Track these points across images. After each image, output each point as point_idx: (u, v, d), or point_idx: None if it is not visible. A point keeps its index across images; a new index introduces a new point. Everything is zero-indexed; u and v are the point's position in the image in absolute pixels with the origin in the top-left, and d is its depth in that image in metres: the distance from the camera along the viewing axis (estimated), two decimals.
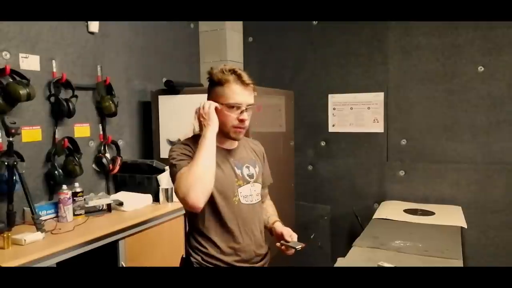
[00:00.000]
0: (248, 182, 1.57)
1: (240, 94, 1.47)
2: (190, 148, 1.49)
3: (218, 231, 1.51)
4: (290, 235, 1.58)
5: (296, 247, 1.51)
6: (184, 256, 1.60)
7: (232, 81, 1.47)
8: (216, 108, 1.49)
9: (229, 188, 1.51)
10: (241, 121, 1.48)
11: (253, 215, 1.58)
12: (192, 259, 1.52)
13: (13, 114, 2.11)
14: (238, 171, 1.55)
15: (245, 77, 1.48)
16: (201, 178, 1.36)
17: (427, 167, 3.17)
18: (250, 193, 1.57)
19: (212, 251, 1.51)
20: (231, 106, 1.47)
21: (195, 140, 1.51)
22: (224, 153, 1.54)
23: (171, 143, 2.91)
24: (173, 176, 1.46)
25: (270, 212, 1.74)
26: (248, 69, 3.71)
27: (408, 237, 2.28)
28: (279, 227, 1.65)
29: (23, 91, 2.04)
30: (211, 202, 1.47)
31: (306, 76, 3.52)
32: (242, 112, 1.48)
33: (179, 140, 2.92)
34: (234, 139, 1.54)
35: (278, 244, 1.58)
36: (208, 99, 1.53)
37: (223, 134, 1.51)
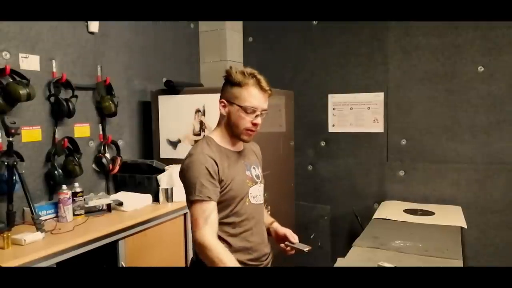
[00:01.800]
0: (256, 183, 1.61)
1: (257, 98, 1.50)
2: (213, 161, 1.47)
3: (232, 231, 1.53)
4: (294, 237, 1.61)
5: (304, 250, 1.54)
6: (194, 258, 1.59)
7: (251, 84, 1.49)
8: (229, 108, 1.52)
9: (243, 190, 1.55)
10: (254, 124, 1.51)
11: (261, 214, 1.63)
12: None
13: (13, 114, 2.11)
14: (248, 172, 1.59)
15: (264, 83, 1.50)
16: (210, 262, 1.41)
17: (427, 167, 3.17)
18: (259, 193, 1.62)
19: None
20: (246, 109, 1.49)
21: (214, 144, 1.54)
22: (236, 156, 1.58)
23: (171, 143, 2.92)
24: (197, 213, 1.43)
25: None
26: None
27: (408, 237, 2.28)
28: (280, 228, 1.67)
29: (23, 91, 2.04)
30: (227, 204, 1.51)
31: (306, 76, 3.52)
32: (257, 116, 1.51)
33: (179, 140, 2.93)
34: (244, 141, 1.57)
35: (282, 245, 1.59)
36: (222, 97, 1.54)
37: (234, 135, 1.54)
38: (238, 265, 1.41)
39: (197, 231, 1.42)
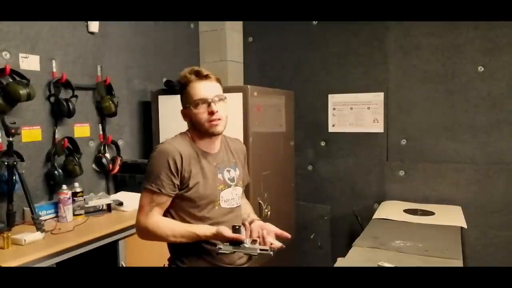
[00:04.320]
0: (229, 186, 1.55)
1: (202, 88, 1.47)
2: (179, 155, 1.44)
3: None
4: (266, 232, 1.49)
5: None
6: (168, 264, 1.57)
7: (193, 80, 1.48)
8: (187, 113, 1.50)
9: (211, 193, 1.50)
10: (211, 113, 1.46)
11: (234, 219, 1.55)
12: (179, 263, 1.51)
13: (13, 114, 2.11)
14: (219, 176, 1.53)
15: (203, 71, 1.49)
16: (161, 241, 1.48)
17: (427, 167, 3.17)
18: (232, 197, 1.56)
19: (196, 255, 1.49)
20: (196, 103, 1.46)
21: (185, 141, 1.50)
22: (207, 157, 1.52)
23: None
24: (145, 201, 1.45)
25: (248, 210, 1.69)
26: (248, 69, 3.72)
27: (408, 237, 2.28)
28: (258, 223, 1.57)
29: (23, 91, 2.05)
30: (193, 206, 1.47)
31: (306, 76, 3.52)
32: (209, 104, 1.47)
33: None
34: (215, 133, 1.50)
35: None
36: (182, 106, 1.53)
37: (203, 134, 1.50)
38: (189, 229, 1.43)
39: (141, 216, 1.45)
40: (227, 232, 1.38)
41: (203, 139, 1.52)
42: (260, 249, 1.39)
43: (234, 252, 1.39)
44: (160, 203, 1.44)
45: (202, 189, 1.47)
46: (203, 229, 1.43)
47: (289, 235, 1.49)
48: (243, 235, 1.39)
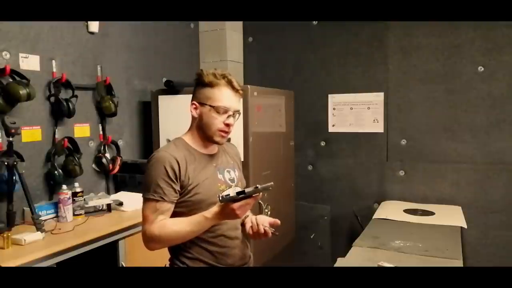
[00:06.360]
0: (230, 186, 1.55)
1: (229, 98, 1.48)
2: (175, 161, 1.42)
3: (204, 236, 1.47)
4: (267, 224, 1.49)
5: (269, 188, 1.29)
6: (169, 264, 1.57)
7: (222, 84, 1.48)
8: (201, 110, 1.49)
9: (213, 194, 1.48)
10: (227, 125, 1.48)
11: (236, 220, 1.53)
12: (179, 264, 1.51)
13: (13, 114, 2.11)
14: (220, 176, 1.53)
15: (235, 83, 1.49)
16: (173, 242, 1.45)
17: (427, 167, 3.17)
18: None
19: (197, 255, 1.49)
20: (218, 109, 1.46)
21: (183, 144, 1.50)
22: (206, 159, 1.53)
23: None
24: (149, 211, 1.44)
25: None
26: (248, 69, 3.72)
27: (408, 237, 2.28)
28: (250, 217, 1.57)
29: (23, 91, 2.05)
30: (196, 209, 1.45)
31: (306, 76, 3.52)
32: (229, 116, 1.48)
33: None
34: (217, 143, 1.52)
35: (262, 229, 1.47)
36: (194, 100, 1.53)
37: (206, 137, 1.50)
38: (196, 216, 1.38)
39: (147, 226, 1.44)
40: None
41: (203, 141, 1.52)
42: (261, 187, 1.29)
43: (239, 198, 1.29)
44: (164, 210, 1.43)
45: (203, 190, 1.46)
46: (205, 212, 1.38)
47: (279, 221, 1.49)
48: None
